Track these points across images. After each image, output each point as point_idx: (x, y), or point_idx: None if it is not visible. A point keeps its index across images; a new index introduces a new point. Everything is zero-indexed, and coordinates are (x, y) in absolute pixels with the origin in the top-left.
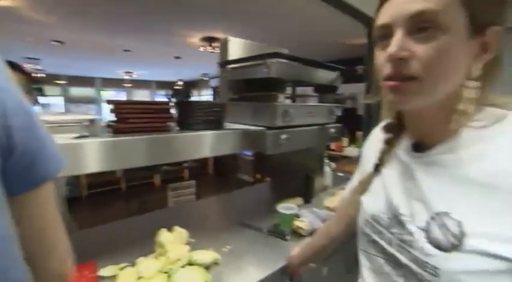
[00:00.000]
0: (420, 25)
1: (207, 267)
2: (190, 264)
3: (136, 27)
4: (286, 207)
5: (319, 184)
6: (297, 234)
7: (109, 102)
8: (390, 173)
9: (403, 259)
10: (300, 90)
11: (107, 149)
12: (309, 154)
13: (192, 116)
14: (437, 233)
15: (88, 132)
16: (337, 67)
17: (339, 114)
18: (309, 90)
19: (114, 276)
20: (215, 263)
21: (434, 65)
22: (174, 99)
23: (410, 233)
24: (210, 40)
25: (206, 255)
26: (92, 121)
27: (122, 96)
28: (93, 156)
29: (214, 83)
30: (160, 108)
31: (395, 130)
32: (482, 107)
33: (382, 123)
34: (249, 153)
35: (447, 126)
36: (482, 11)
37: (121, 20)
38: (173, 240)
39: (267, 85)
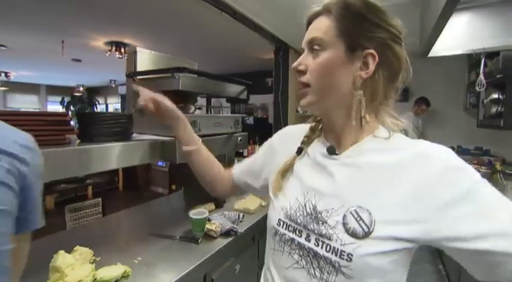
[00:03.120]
0: (314, 46)
1: None
2: None
3: (16, 18)
4: (198, 212)
5: None
6: (209, 236)
7: None
8: (305, 174)
9: (321, 251)
10: (215, 100)
11: None
12: (220, 162)
13: (94, 128)
14: (354, 224)
15: None
16: (243, 81)
17: (251, 123)
18: (224, 100)
19: None
20: (125, 276)
21: (319, 74)
22: (72, 107)
23: (329, 226)
24: (117, 45)
25: (113, 270)
26: None
27: None
28: None
29: (123, 90)
30: (56, 120)
31: (314, 131)
32: (380, 125)
33: (304, 125)
34: (163, 164)
35: (356, 133)
36: (352, 39)
37: None
38: (73, 262)
39: (176, 97)
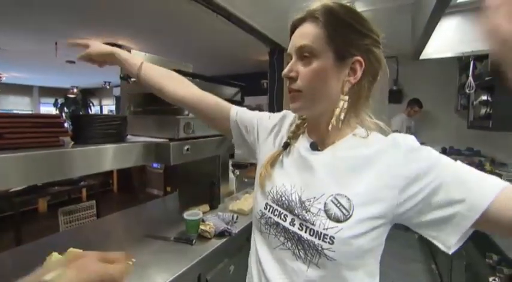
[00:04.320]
0: (303, 54)
1: None
2: None
3: (9, 20)
4: (192, 213)
5: (225, 190)
6: (204, 237)
7: None
8: (290, 167)
9: (304, 235)
10: None
11: None
12: (215, 163)
13: (88, 130)
14: (335, 209)
15: None
16: (237, 84)
17: None
18: None
19: None
20: None
21: (310, 81)
22: (66, 109)
23: (312, 213)
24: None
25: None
26: None
27: None
28: None
29: (118, 92)
30: (49, 122)
31: (299, 129)
32: (361, 125)
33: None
34: (158, 166)
35: (337, 132)
36: (341, 48)
37: None
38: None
39: None
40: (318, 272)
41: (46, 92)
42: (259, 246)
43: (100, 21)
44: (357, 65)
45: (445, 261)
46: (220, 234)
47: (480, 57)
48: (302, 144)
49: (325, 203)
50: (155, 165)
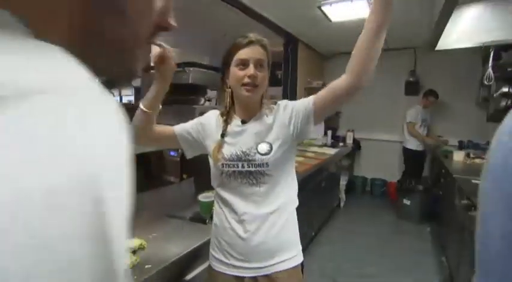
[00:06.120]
0: (259, 64)
1: (134, 252)
2: None
3: None
4: (206, 196)
5: None
6: None
7: None
8: (231, 139)
9: (252, 168)
10: None
11: None
12: None
13: None
14: (262, 149)
15: None
16: None
17: None
18: None
19: None
20: (141, 248)
21: (263, 81)
22: None
23: (252, 155)
24: None
25: (130, 242)
26: None
27: None
28: None
29: (136, 82)
30: None
31: (228, 115)
32: (266, 104)
33: (217, 111)
34: (175, 154)
35: (258, 110)
36: (269, 66)
37: None
38: None
39: (187, 89)
40: (265, 187)
41: None
42: (222, 193)
43: None
44: (269, 73)
45: (454, 254)
46: None
47: (505, 47)
48: (234, 124)
49: (257, 148)
50: (173, 153)
